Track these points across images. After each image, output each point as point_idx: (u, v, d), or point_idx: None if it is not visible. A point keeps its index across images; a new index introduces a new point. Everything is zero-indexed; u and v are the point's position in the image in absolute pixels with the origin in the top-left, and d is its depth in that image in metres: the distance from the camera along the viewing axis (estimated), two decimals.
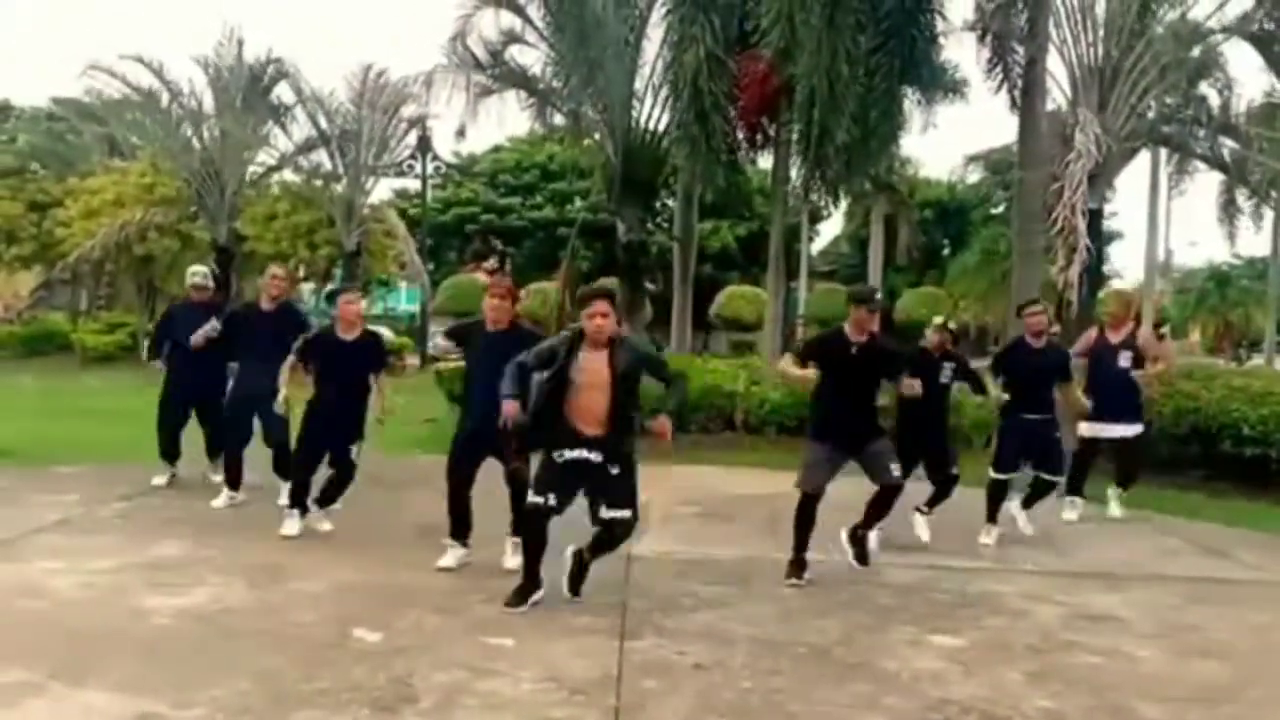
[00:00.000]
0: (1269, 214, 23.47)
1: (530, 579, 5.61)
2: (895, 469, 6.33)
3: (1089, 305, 13.27)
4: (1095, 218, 13.35)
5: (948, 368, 7.55)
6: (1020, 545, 7.52)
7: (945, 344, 7.60)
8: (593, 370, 5.52)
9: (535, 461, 5.79)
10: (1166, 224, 33.13)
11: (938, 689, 4.61)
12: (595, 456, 5.51)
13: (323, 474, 7.33)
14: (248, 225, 28.16)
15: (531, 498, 5.55)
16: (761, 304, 24.50)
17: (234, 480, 8.24)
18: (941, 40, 15.26)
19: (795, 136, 13.35)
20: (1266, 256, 30.95)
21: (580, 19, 16.82)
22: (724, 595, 5.81)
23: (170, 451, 8.96)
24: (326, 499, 7.34)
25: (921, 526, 7.52)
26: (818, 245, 48.03)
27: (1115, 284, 32.46)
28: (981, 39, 14.78)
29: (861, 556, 6.48)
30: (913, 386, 6.56)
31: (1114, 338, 8.39)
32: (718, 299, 37.67)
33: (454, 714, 4.16)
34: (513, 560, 6.22)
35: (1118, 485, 8.63)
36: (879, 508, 6.42)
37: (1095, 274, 13.10)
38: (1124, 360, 8.33)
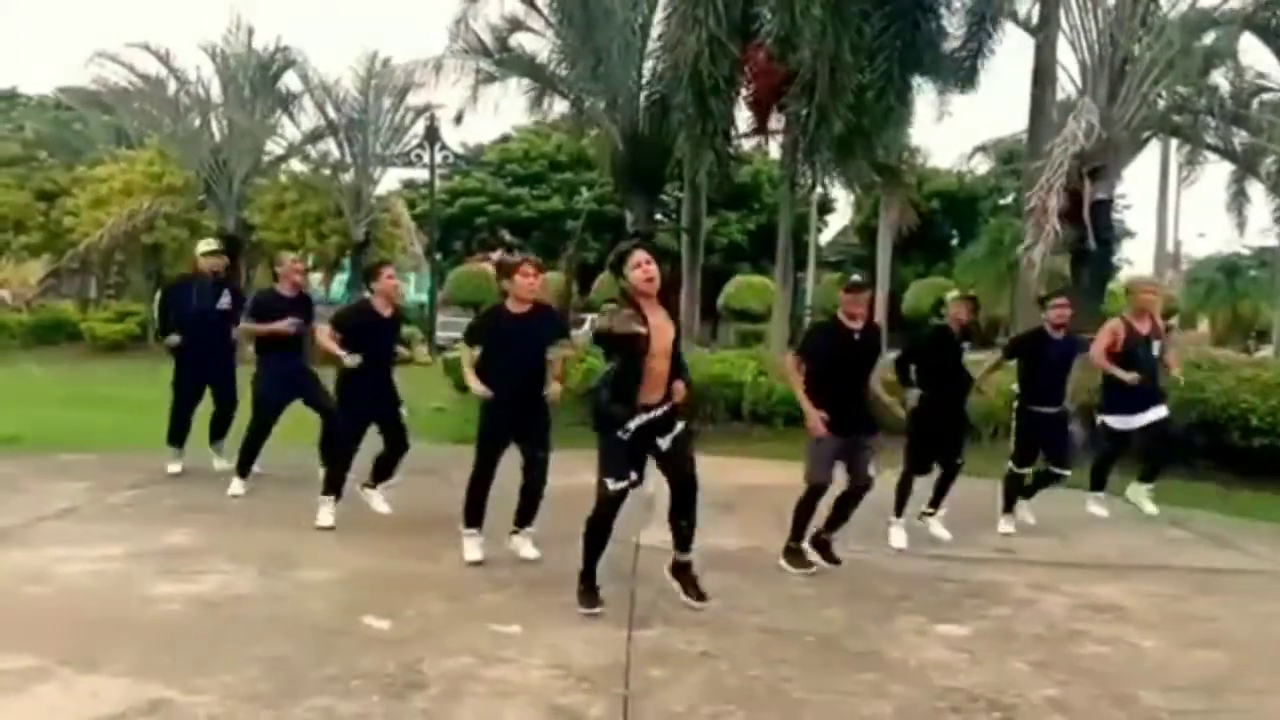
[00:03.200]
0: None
1: (593, 577, 5.44)
2: (873, 468, 6.37)
3: (1093, 296, 13.22)
4: (1105, 208, 13.30)
5: (968, 347, 7.30)
6: (1028, 536, 7.52)
7: (967, 320, 7.28)
8: (661, 331, 5.19)
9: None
10: (1176, 215, 33.04)
11: (944, 678, 4.62)
12: (661, 415, 5.28)
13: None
14: (256, 214, 28.22)
15: (612, 485, 5.19)
16: (769, 294, 24.53)
17: (247, 466, 8.31)
18: (948, 28, 15.23)
19: (800, 119, 13.31)
20: (1275, 247, 30.77)
21: (587, 6, 16.77)
22: (731, 584, 5.82)
23: (183, 435, 8.94)
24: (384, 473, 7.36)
25: (938, 527, 7.36)
26: (826, 236, 48.03)
27: (1125, 275, 32.20)
28: (971, 24, 14.77)
29: (832, 559, 6.46)
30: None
31: (1143, 328, 8.26)
32: (726, 289, 37.65)
33: (462, 700, 4.18)
34: (528, 550, 6.37)
35: (1143, 480, 8.25)
36: (847, 508, 6.43)
37: (1103, 265, 13.03)
38: (1157, 350, 8.21)
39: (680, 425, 5.38)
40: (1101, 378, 8.07)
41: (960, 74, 15.71)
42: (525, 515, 6.43)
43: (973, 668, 4.79)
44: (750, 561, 6.51)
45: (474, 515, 6.34)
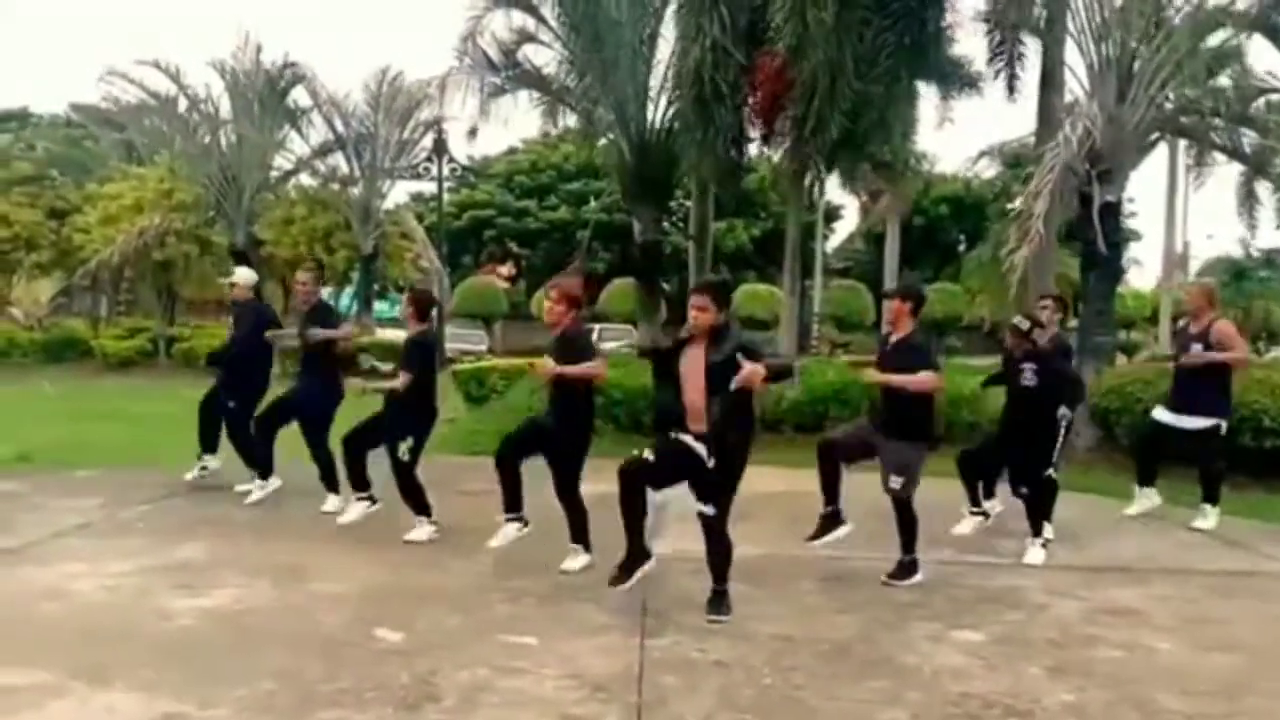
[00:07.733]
0: None
1: (636, 550, 5.57)
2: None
3: (1104, 299, 13.19)
4: (1114, 211, 13.24)
5: (1028, 369, 7.13)
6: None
7: (1020, 345, 7.17)
8: (692, 363, 5.55)
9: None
10: (1185, 217, 32.94)
11: (959, 684, 4.61)
12: (697, 448, 5.47)
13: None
14: (265, 229, 28.29)
15: (621, 463, 5.53)
16: (776, 302, 24.49)
17: (268, 469, 8.39)
18: (952, 33, 15.19)
19: (799, 123, 13.28)
20: None
21: (595, 18, 16.78)
22: (743, 593, 5.81)
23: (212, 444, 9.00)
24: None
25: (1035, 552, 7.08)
26: (833, 243, 47.96)
27: (1134, 277, 32.09)
28: (990, 30, 14.72)
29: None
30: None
31: (1194, 328, 8.26)
32: (733, 298, 37.65)
33: (477, 711, 4.18)
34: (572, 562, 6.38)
35: (1205, 499, 8.25)
36: (903, 524, 6.38)
37: (1113, 268, 12.96)
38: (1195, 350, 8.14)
39: (707, 509, 5.55)
40: (1219, 381, 8.08)
41: (977, 82, 15.74)
42: (573, 531, 6.44)
43: (988, 674, 4.77)
44: (763, 570, 6.50)
45: (511, 500, 6.44)
